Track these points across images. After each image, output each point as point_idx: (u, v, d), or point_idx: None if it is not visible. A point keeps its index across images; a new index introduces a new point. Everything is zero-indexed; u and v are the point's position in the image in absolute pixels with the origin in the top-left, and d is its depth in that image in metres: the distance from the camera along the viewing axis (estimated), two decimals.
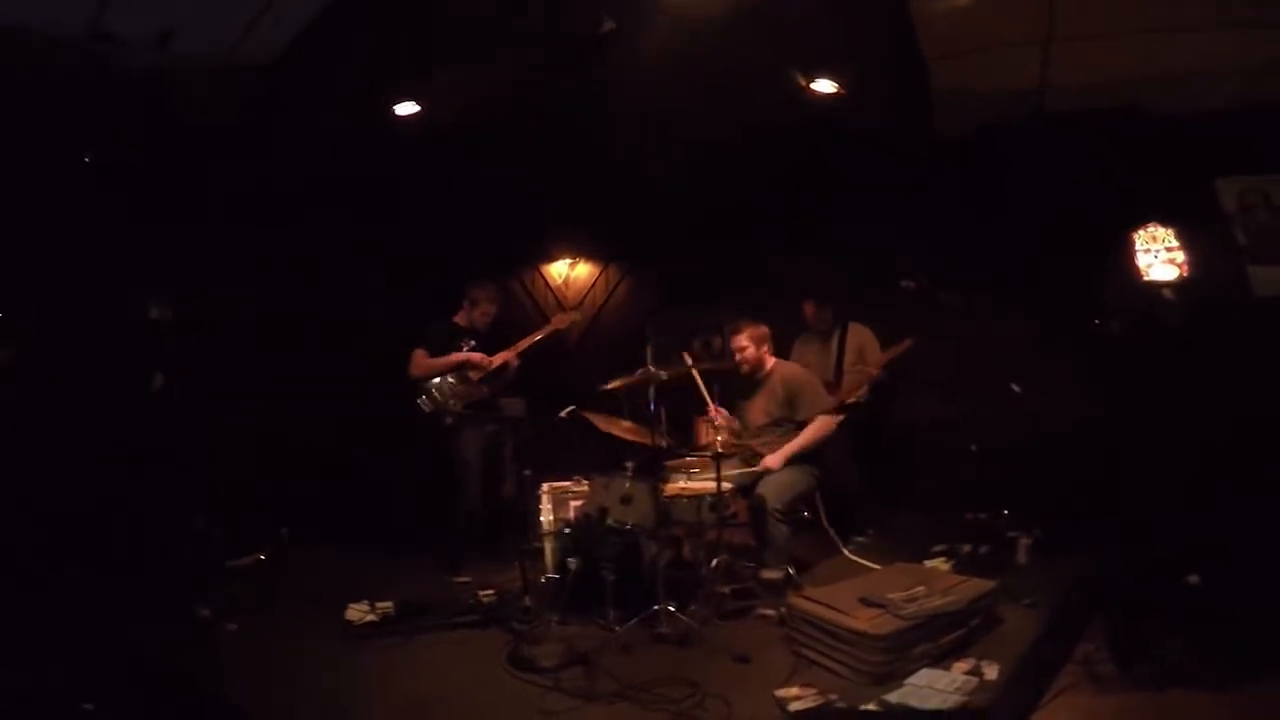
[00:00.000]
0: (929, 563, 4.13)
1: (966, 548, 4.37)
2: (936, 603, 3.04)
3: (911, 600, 3.04)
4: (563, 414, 3.85)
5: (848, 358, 4.98)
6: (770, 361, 4.16)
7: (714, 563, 3.58)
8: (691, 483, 3.92)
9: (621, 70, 4.18)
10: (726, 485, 3.81)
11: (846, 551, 4.46)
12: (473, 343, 4.38)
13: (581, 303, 6.24)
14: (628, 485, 3.51)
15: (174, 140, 3.74)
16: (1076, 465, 4.65)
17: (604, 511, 3.48)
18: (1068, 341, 4.70)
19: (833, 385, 4.93)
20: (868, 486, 5.01)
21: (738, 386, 4.26)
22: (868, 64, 4.33)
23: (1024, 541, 4.30)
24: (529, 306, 6.17)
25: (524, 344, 4.46)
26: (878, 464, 5.24)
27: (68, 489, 3.35)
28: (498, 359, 4.37)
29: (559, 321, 4.62)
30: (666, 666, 3.00)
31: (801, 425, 3.96)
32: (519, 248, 6.15)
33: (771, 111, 4.82)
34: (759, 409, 4.12)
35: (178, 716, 2.38)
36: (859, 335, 5.02)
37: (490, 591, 3.67)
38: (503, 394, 4.50)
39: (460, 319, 4.44)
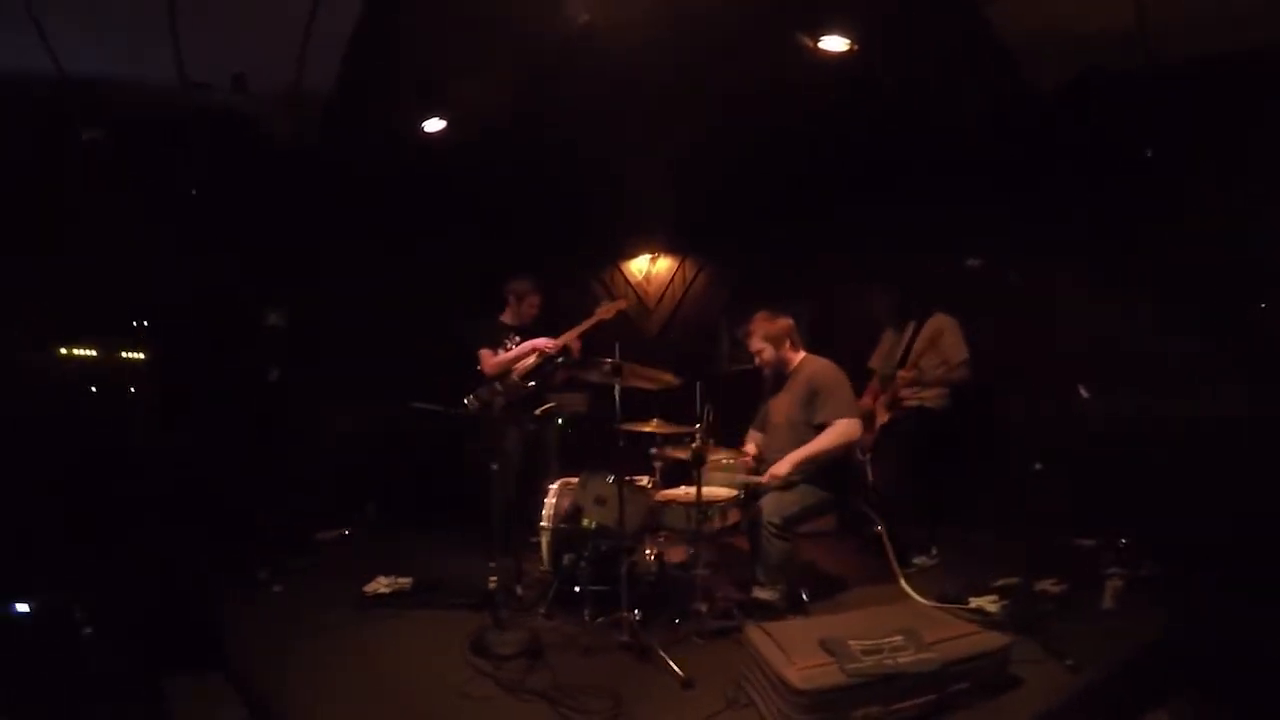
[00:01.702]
0: (976, 600, 3.44)
1: (1045, 583, 3.58)
2: (903, 660, 2.51)
3: (874, 652, 2.55)
4: (538, 411, 3.76)
5: (917, 347, 4.24)
6: (797, 357, 3.67)
7: (693, 577, 3.30)
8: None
9: (638, 62, 3.92)
10: (729, 493, 3.51)
11: (900, 578, 3.83)
12: (518, 339, 4.38)
13: (662, 297, 6.08)
14: (604, 485, 3.34)
15: (265, 167, 4.25)
16: (1220, 487, 3.57)
17: (579, 511, 3.37)
18: (1204, 331, 3.58)
19: (890, 382, 4.27)
20: (937, 501, 4.28)
21: (771, 383, 3.83)
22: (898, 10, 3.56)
23: (1114, 583, 3.39)
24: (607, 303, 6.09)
25: (569, 336, 4.34)
26: (960, 475, 4.48)
27: (193, 461, 3.98)
28: (557, 342, 4.30)
29: (604, 311, 4.42)
30: (609, 676, 2.84)
31: (820, 429, 3.45)
32: (597, 246, 6.10)
33: (830, 82, 4.20)
34: (780, 409, 3.66)
35: (168, 644, 2.78)
36: (937, 325, 4.21)
37: (495, 578, 3.76)
38: (555, 390, 4.46)
39: (507, 318, 4.45)
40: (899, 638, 2.64)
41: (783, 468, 3.39)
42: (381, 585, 3.67)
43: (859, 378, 4.49)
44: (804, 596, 3.52)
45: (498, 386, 4.25)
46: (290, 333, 4.59)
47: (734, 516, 3.56)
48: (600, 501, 3.32)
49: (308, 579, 3.93)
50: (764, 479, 3.45)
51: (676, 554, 4.06)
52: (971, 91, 4.11)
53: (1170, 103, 3.60)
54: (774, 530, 3.30)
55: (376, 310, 4.97)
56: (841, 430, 3.40)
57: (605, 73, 4.02)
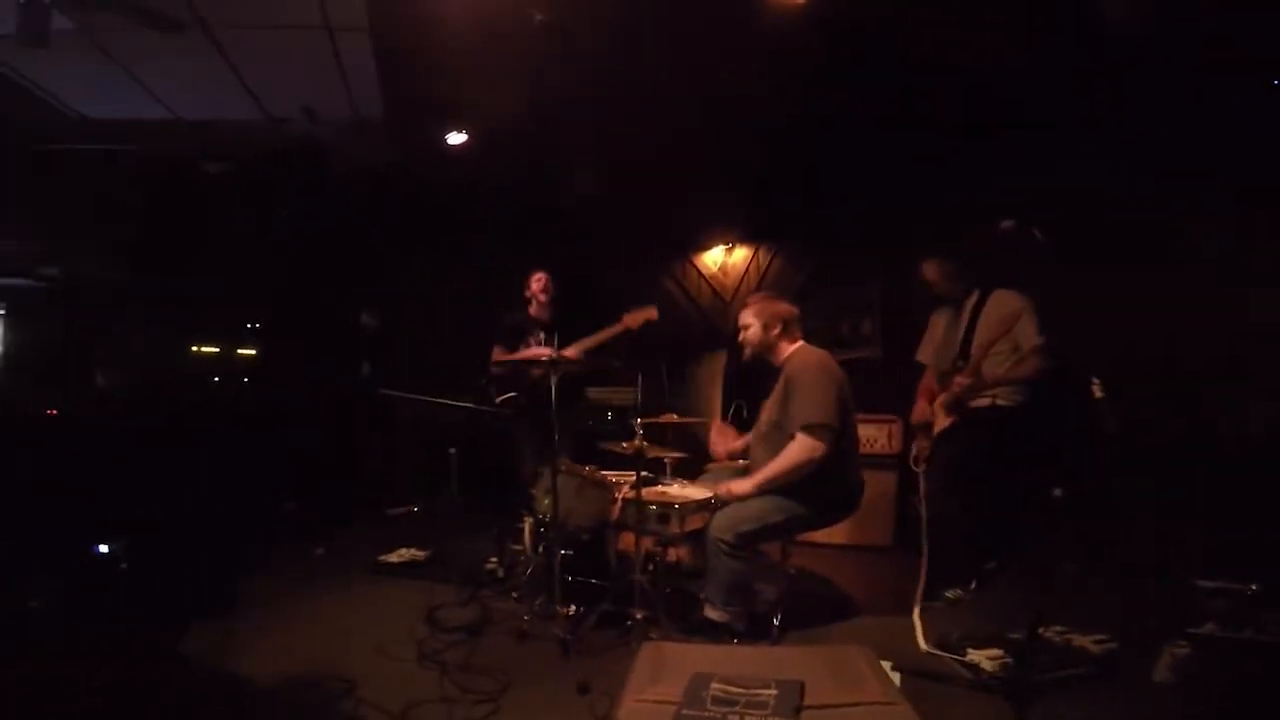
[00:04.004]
0: (975, 652, 2.70)
1: (1087, 639, 2.70)
2: None
3: (727, 703, 2.13)
4: (499, 400, 3.67)
5: (981, 334, 3.46)
6: (788, 349, 3.20)
7: (631, 581, 3.06)
8: (673, 490, 3.37)
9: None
10: (698, 495, 3.20)
11: (915, 610, 3.20)
12: (541, 335, 4.41)
13: (738, 289, 5.63)
14: (548, 478, 3.23)
15: (346, 188, 4.79)
16: None
17: (531, 500, 3.33)
18: None
19: (948, 374, 3.49)
20: (993, 524, 3.42)
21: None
22: None
23: (1176, 649, 2.45)
24: (681, 300, 5.80)
25: (589, 342, 4.25)
26: (1035, 491, 3.51)
27: (293, 448, 4.65)
28: (564, 354, 4.18)
29: (630, 320, 4.22)
30: (520, 664, 2.80)
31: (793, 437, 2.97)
32: (668, 239, 5.82)
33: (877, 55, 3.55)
34: (767, 410, 3.24)
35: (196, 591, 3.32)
36: (1005, 305, 3.42)
37: (494, 560, 3.86)
38: (573, 386, 4.41)
39: (533, 311, 4.49)
40: (773, 691, 2.19)
41: (743, 486, 3.02)
42: (396, 556, 4.01)
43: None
44: (775, 621, 3.09)
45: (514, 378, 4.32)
46: (381, 332, 5.12)
47: (696, 522, 3.21)
48: (548, 492, 3.23)
49: (351, 546, 4.39)
50: (722, 492, 3.08)
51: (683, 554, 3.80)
52: (1029, 36, 3.17)
53: None
54: (724, 547, 2.92)
55: (455, 309, 5.32)
56: (799, 448, 2.92)
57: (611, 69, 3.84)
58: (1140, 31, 2.87)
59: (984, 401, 3.44)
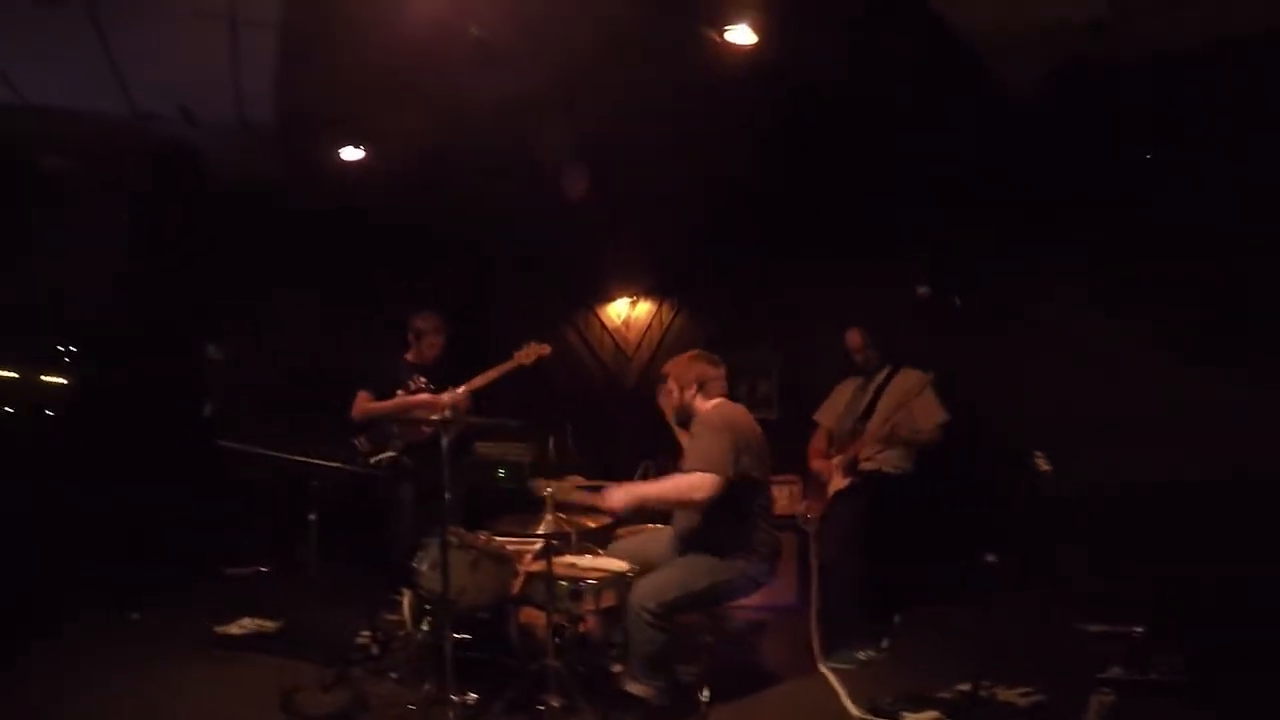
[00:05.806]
0: (912, 715, 2.58)
1: (1012, 692, 2.68)
2: None
3: None
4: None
5: (883, 405, 3.59)
6: (705, 407, 3.04)
7: (545, 666, 2.64)
8: (583, 560, 3.02)
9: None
10: (611, 567, 2.88)
11: (823, 667, 3.10)
12: (423, 380, 3.87)
13: (640, 344, 5.51)
14: (435, 551, 2.75)
15: (211, 200, 4.15)
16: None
17: (413, 574, 2.85)
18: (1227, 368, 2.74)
19: (847, 440, 3.57)
20: (893, 581, 3.44)
21: None
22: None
23: (1103, 697, 2.48)
24: (582, 351, 5.60)
25: (478, 382, 3.79)
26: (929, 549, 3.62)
27: (102, 485, 3.75)
28: (446, 398, 3.66)
29: (523, 356, 3.86)
30: None
31: None
32: (570, 291, 5.63)
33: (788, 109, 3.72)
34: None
35: None
36: (908, 381, 3.58)
37: (367, 634, 3.25)
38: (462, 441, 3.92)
39: (411, 356, 3.94)
40: None
41: (617, 497, 2.78)
42: (238, 626, 3.30)
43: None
44: (703, 695, 2.80)
45: (395, 429, 3.73)
46: (230, 368, 4.37)
47: (610, 598, 2.86)
48: (434, 566, 2.76)
49: (180, 613, 3.59)
50: (603, 505, 2.85)
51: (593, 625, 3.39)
52: (939, 100, 3.48)
53: (1173, 97, 2.84)
54: (648, 617, 2.64)
55: (330, 351, 4.69)
56: (687, 479, 2.75)
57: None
58: (1041, 106, 3.21)
59: (871, 466, 3.55)
